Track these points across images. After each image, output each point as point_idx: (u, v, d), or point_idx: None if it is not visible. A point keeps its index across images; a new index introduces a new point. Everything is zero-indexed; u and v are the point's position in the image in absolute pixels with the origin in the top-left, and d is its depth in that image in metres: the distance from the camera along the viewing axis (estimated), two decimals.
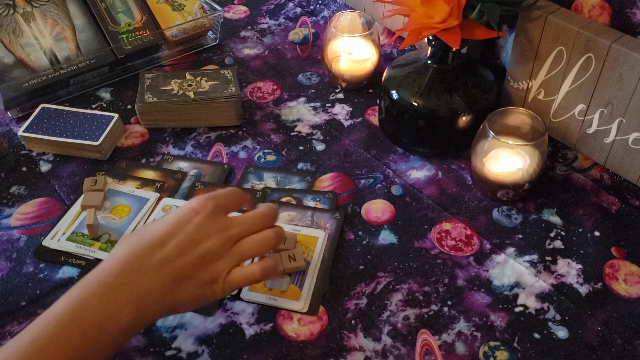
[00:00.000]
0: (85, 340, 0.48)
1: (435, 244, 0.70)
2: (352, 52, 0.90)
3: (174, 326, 0.62)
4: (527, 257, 0.68)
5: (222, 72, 0.88)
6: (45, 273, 0.67)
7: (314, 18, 1.10)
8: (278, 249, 0.67)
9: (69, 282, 0.66)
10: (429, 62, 0.78)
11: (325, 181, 0.78)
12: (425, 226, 0.72)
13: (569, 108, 0.76)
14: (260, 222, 0.58)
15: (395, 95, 0.78)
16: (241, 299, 0.64)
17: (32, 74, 0.87)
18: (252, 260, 0.62)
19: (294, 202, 0.75)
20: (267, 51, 1.02)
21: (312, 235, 0.70)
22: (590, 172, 0.78)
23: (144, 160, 0.81)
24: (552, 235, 0.71)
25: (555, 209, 0.74)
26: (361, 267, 0.67)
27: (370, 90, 0.93)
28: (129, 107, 0.90)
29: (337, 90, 0.93)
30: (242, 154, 0.82)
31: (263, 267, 0.57)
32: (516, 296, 0.65)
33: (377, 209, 0.74)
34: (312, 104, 0.91)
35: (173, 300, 0.53)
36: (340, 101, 0.91)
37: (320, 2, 1.10)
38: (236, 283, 0.56)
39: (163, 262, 0.53)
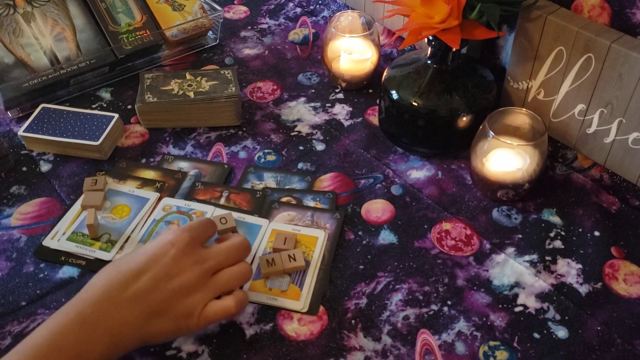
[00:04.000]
0: None
1: (435, 243, 0.70)
2: (352, 52, 0.90)
3: None
4: (527, 257, 0.68)
5: (222, 72, 0.88)
6: (46, 273, 0.67)
7: (314, 18, 1.10)
8: (278, 248, 0.67)
9: (69, 282, 0.66)
10: (429, 62, 0.78)
11: (325, 181, 0.78)
12: (425, 226, 0.72)
13: (568, 108, 0.76)
14: (234, 254, 0.59)
15: (395, 95, 0.78)
16: None
17: (32, 74, 0.87)
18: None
19: (294, 202, 0.75)
20: (267, 51, 1.02)
21: (312, 235, 0.70)
22: (590, 172, 0.78)
23: (144, 160, 0.81)
24: (552, 235, 0.71)
25: (555, 209, 0.74)
26: (361, 267, 0.67)
27: (370, 90, 0.93)
28: (129, 107, 0.90)
29: (337, 90, 0.93)
30: (242, 154, 0.82)
31: (238, 301, 0.57)
32: (516, 296, 0.65)
33: (377, 209, 0.74)
34: (312, 104, 0.91)
35: (147, 334, 0.54)
36: (340, 101, 0.91)
37: (320, 2, 1.10)
38: (212, 317, 0.56)
39: (137, 295, 0.53)
